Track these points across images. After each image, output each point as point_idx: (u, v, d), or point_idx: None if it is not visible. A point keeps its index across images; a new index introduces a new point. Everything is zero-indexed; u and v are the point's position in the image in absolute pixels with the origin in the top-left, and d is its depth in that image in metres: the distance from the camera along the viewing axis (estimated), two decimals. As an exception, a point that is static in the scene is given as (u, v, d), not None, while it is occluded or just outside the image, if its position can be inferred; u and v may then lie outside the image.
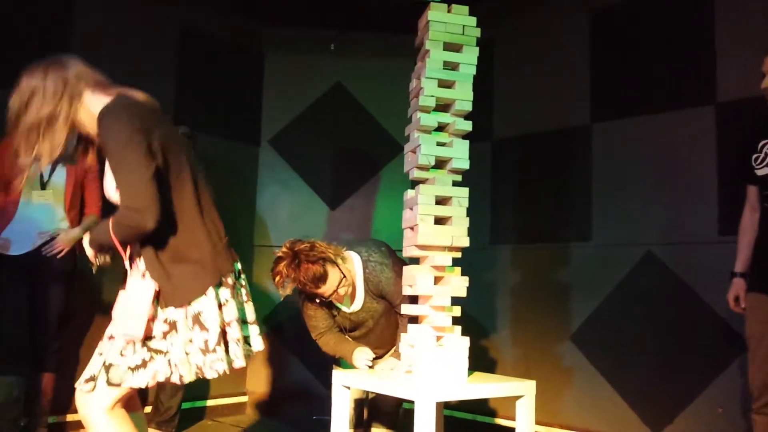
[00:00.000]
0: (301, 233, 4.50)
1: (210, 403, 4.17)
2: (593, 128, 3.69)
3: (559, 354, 3.57)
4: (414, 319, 2.49)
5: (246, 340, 1.96)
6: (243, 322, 1.95)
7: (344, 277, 2.61)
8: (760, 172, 2.55)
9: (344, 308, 2.77)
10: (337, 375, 2.50)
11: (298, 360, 4.38)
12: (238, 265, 1.99)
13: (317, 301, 2.70)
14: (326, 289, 2.60)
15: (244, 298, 1.98)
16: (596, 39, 3.73)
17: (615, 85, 3.64)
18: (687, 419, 3.15)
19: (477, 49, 2.59)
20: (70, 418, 3.48)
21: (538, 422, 3.40)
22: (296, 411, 4.28)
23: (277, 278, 2.57)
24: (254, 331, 1.99)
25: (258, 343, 1.99)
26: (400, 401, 2.85)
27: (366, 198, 4.55)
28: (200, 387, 4.04)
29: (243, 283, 1.99)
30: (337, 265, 2.60)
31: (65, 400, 3.37)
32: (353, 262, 2.72)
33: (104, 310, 3.36)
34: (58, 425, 3.41)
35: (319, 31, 4.59)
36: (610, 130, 3.62)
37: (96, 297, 3.49)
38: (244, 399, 4.36)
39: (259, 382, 4.39)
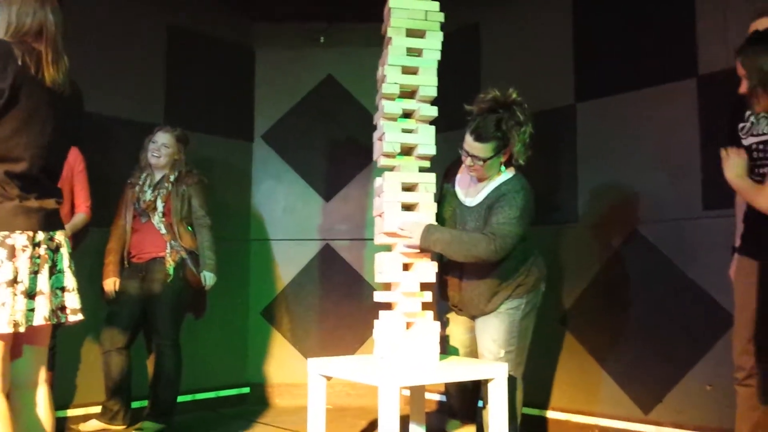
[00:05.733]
0: (296, 226, 4.59)
1: (212, 395, 4.25)
2: (577, 108, 3.65)
3: (549, 336, 3.55)
4: (386, 306, 2.51)
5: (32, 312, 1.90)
6: (31, 294, 1.89)
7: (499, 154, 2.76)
8: (745, 142, 2.54)
9: (463, 198, 2.81)
10: (313, 363, 2.53)
11: (297, 351, 4.43)
12: (60, 236, 1.97)
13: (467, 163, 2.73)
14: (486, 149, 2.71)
15: (37, 268, 1.90)
16: (578, 18, 3.69)
17: (598, 63, 3.59)
18: (676, 398, 3.12)
19: (441, 34, 2.59)
20: (70, 413, 3.58)
21: (529, 405, 3.40)
22: (297, 401, 4.33)
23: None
24: (38, 303, 1.90)
25: (36, 318, 1.90)
26: (474, 396, 2.86)
27: (360, 188, 4.57)
28: (202, 379, 4.11)
29: (43, 253, 1.91)
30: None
31: (64, 396, 3.52)
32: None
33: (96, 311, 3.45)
34: (58, 420, 3.49)
35: (308, 25, 4.61)
36: (594, 110, 3.58)
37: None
38: (246, 390, 4.42)
39: (260, 374, 4.45)
